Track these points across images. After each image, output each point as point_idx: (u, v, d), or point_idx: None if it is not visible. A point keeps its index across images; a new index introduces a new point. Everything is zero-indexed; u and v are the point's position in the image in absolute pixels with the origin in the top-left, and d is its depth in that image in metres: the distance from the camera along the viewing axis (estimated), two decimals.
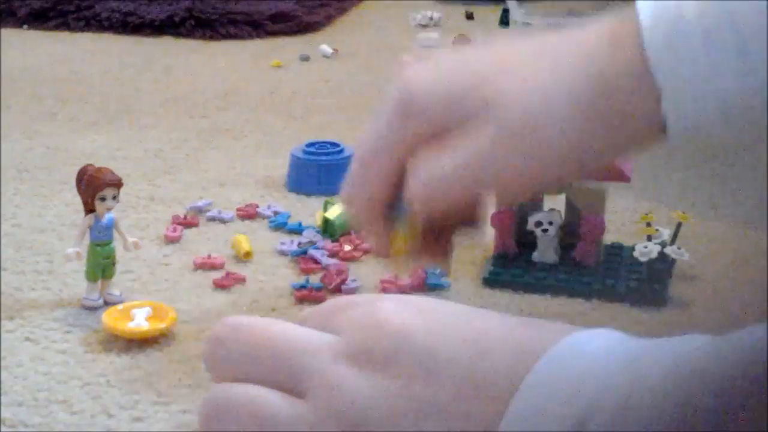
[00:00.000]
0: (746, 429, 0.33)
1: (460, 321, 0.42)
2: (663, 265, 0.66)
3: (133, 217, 0.78)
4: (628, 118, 0.43)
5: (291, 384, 0.42)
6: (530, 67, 0.45)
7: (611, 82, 0.43)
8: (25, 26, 1.49)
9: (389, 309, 0.43)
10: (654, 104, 0.42)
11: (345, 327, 0.43)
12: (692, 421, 0.34)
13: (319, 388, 0.41)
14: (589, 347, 0.39)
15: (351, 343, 0.42)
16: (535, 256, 0.69)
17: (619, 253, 0.71)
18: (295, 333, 0.44)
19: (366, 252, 0.71)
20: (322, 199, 0.79)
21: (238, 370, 0.44)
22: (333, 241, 0.73)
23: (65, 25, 1.48)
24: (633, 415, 0.35)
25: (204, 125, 1.03)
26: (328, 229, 0.75)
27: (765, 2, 0.40)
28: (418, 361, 0.40)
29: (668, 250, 0.66)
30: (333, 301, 0.48)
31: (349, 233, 0.74)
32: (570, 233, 0.69)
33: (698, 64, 0.41)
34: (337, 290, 0.66)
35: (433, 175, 0.46)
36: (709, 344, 0.36)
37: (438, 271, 0.67)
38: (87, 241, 0.63)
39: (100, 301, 0.63)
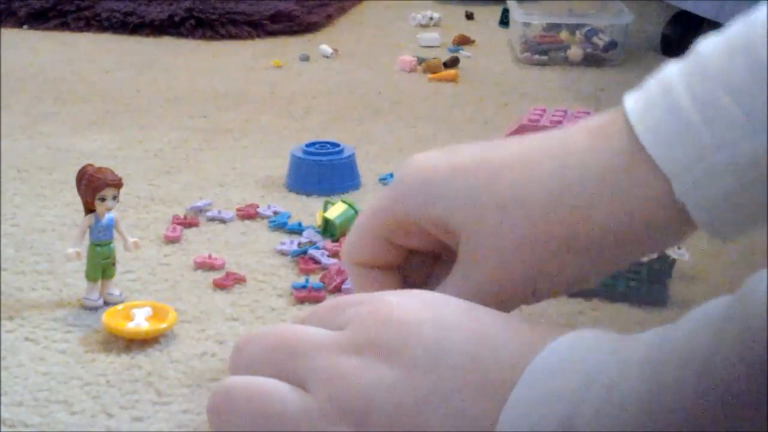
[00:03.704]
0: (712, 408, 0.33)
1: (464, 315, 0.43)
2: (663, 265, 0.66)
3: (133, 217, 0.78)
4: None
5: (298, 379, 0.43)
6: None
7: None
8: (25, 26, 1.49)
9: (394, 302, 0.43)
10: (664, 195, 0.42)
11: (350, 321, 0.44)
12: (666, 412, 0.34)
13: (324, 378, 0.42)
14: (578, 346, 0.40)
15: (356, 334, 0.43)
16: None
17: None
18: (302, 332, 0.45)
19: None
20: (322, 199, 0.79)
21: (256, 374, 0.45)
22: (333, 241, 0.73)
23: (65, 25, 1.48)
24: (615, 410, 0.36)
25: (204, 125, 1.03)
26: (328, 229, 0.75)
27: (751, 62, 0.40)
28: (421, 352, 0.41)
29: (668, 250, 0.66)
30: (334, 300, 0.48)
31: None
32: None
33: (701, 140, 0.41)
34: (337, 290, 0.66)
35: None
36: (668, 331, 0.37)
37: None
38: (87, 241, 0.63)
39: (100, 301, 0.63)
